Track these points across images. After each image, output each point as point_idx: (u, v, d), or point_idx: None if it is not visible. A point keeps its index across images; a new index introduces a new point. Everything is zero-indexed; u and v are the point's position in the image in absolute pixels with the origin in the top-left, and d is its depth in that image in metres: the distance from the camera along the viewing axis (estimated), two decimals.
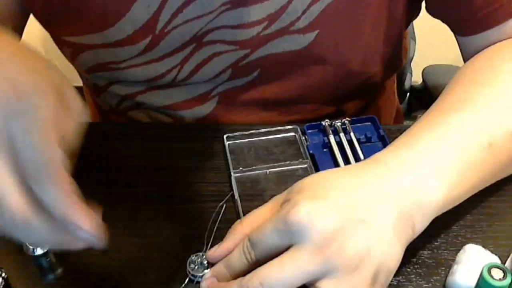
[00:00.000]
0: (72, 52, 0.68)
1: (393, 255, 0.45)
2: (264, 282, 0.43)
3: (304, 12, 0.61)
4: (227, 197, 0.57)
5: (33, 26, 0.74)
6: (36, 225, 0.36)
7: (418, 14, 0.71)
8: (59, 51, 0.72)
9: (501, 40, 0.61)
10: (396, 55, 0.73)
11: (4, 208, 0.36)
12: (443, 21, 0.66)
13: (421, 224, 0.47)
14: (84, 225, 0.36)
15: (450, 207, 0.50)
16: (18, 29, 0.69)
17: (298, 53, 0.64)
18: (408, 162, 0.48)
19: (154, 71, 0.66)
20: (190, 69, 0.66)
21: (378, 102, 0.81)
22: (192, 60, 0.65)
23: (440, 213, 0.49)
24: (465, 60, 0.65)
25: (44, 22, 0.67)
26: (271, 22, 0.62)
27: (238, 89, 0.69)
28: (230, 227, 0.50)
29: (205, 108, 0.71)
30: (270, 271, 0.43)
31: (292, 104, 0.71)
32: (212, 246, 0.50)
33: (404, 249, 0.46)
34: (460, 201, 0.51)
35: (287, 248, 0.44)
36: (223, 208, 0.55)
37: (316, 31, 0.63)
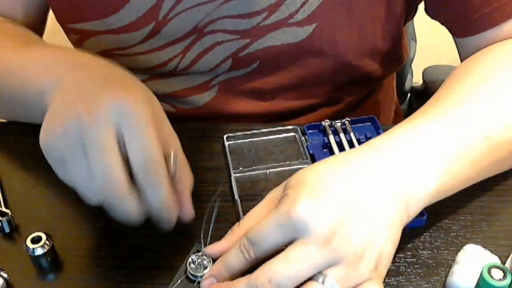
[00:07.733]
0: (77, 39, 0.69)
1: (392, 240, 0.46)
2: (272, 279, 0.43)
3: (303, 4, 0.62)
4: (227, 198, 0.57)
5: None
6: (132, 201, 0.45)
7: (414, 15, 0.72)
8: None
9: (498, 42, 0.61)
10: (396, 51, 0.73)
11: (112, 177, 0.44)
12: (441, 23, 0.66)
13: (414, 209, 0.48)
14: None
15: (445, 195, 0.51)
16: (40, 24, 0.72)
17: (296, 45, 0.65)
18: (403, 149, 0.49)
19: (157, 59, 0.67)
20: (192, 57, 0.67)
21: (377, 96, 0.82)
22: (194, 49, 0.66)
23: (434, 200, 0.50)
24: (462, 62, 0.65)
25: (55, 10, 0.69)
26: (270, 13, 0.62)
27: (238, 79, 0.70)
28: (230, 227, 0.50)
29: (205, 97, 0.71)
30: (278, 267, 0.43)
31: (291, 94, 0.72)
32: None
33: (400, 233, 0.47)
34: (455, 191, 0.52)
35: (287, 244, 0.44)
36: (216, 203, 0.54)
37: (315, 24, 0.63)
